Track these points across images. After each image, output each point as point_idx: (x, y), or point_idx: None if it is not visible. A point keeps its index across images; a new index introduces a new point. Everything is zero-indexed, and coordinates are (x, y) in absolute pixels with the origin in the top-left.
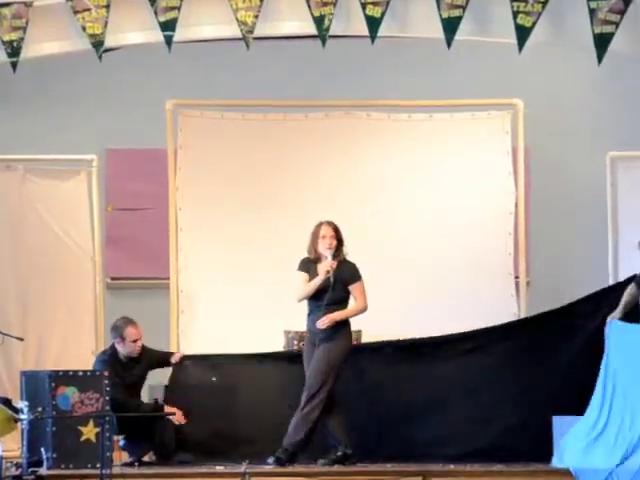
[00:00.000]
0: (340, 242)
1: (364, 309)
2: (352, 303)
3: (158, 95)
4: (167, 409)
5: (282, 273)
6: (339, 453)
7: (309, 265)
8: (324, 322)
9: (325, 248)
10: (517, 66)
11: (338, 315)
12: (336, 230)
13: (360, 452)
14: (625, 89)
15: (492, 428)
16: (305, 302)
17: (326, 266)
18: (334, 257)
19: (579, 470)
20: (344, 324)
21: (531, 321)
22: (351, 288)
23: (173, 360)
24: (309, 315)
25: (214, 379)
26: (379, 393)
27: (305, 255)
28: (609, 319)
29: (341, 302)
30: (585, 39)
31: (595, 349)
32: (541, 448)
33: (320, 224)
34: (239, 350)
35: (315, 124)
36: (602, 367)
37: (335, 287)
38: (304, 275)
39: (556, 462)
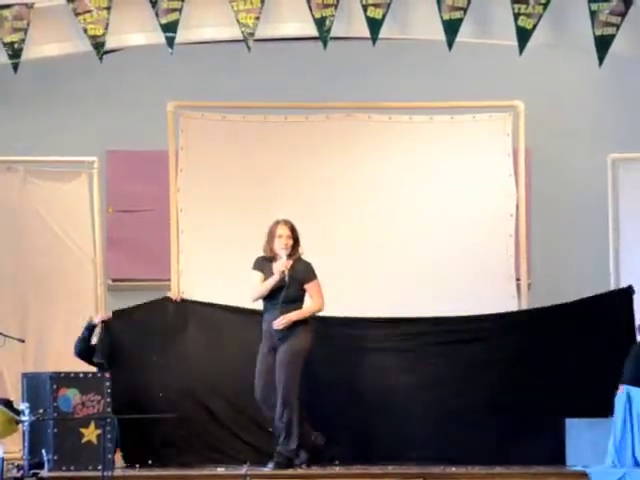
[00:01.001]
0: (296, 241)
1: (320, 308)
2: (307, 302)
3: (159, 97)
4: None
5: None
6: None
7: (264, 264)
8: (281, 322)
9: (281, 248)
10: (518, 68)
11: (295, 315)
12: (292, 229)
13: (361, 453)
14: (626, 91)
15: (502, 430)
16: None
17: (280, 266)
18: (289, 257)
19: (594, 472)
20: (302, 322)
21: (537, 317)
22: (307, 287)
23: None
24: (264, 315)
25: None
26: (379, 392)
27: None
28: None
29: (296, 301)
30: (586, 41)
31: (608, 349)
32: (554, 450)
33: (277, 223)
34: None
35: (316, 126)
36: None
37: (290, 286)
38: (259, 274)
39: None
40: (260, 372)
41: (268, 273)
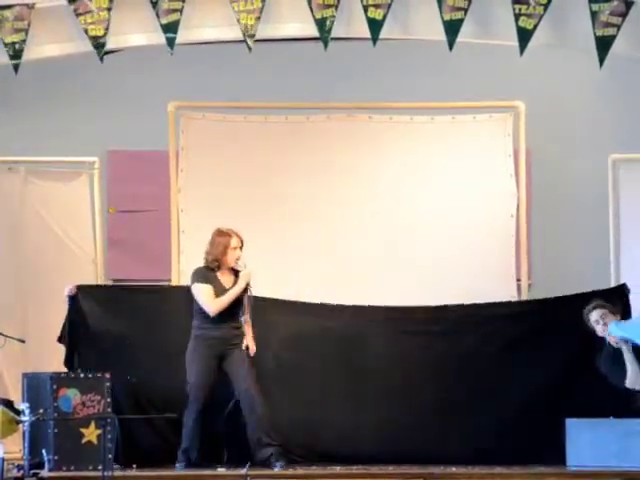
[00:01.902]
0: None
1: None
2: None
3: (160, 97)
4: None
5: (284, 276)
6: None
7: (209, 276)
8: (253, 346)
9: (236, 259)
10: (519, 68)
11: (251, 332)
12: (242, 240)
13: (361, 453)
14: (626, 91)
15: (502, 429)
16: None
17: (247, 275)
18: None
19: None
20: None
21: (537, 316)
22: (246, 298)
23: None
24: (216, 323)
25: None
26: (378, 392)
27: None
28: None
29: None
30: (586, 41)
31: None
32: (554, 450)
33: (229, 235)
34: None
35: (317, 126)
36: None
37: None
38: (209, 287)
39: None
40: (205, 372)
41: (216, 284)
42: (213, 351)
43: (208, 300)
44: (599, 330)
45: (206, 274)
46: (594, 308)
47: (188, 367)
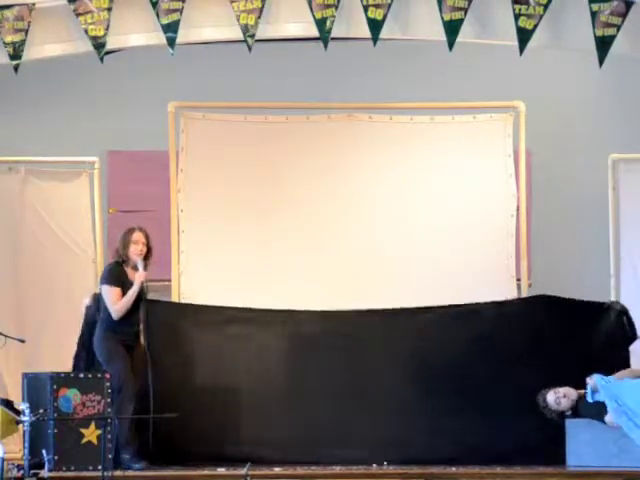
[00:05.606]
0: (149, 250)
1: None
2: None
3: (160, 97)
4: None
5: (284, 275)
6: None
7: (118, 272)
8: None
9: (136, 254)
10: (518, 68)
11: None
12: (147, 237)
13: (362, 454)
14: (626, 91)
15: (502, 429)
16: None
17: (141, 276)
18: (144, 264)
19: None
20: None
21: (537, 314)
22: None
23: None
24: (125, 318)
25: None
26: (378, 392)
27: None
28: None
29: None
30: (586, 42)
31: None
32: (554, 450)
33: (132, 230)
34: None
35: (317, 126)
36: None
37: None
38: (116, 290)
39: None
40: (128, 362)
41: (126, 280)
42: (124, 343)
43: (113, 304)
44: (564, 403)
45: (116, 271)
46: (545, 394)
47: (105, 358)
